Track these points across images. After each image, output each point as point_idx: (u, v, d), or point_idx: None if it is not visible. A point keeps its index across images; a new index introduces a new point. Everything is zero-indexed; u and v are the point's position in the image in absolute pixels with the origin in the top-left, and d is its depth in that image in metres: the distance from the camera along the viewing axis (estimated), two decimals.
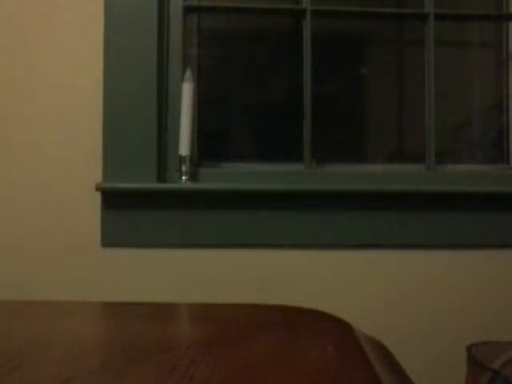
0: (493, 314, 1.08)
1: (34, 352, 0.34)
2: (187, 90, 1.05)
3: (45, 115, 1.06)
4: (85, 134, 1.06)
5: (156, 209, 1.05)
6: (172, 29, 1.12)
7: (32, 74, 1.06)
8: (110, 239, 1.05)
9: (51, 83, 1.06)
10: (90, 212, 1.05)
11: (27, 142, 1.05)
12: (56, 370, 0.30)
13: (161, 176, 1.08)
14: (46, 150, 1.05)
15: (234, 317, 0.47)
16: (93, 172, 1.05)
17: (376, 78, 1.23)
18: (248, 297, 1.06)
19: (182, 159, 1.05)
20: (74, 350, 0.35)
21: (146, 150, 1.05)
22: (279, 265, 1.07)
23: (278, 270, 1.07)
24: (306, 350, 0.35)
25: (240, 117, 1.20)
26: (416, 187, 1.06)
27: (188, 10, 1.16)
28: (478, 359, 0.82)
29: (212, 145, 1.17)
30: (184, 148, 1.04)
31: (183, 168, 1.05)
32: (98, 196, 1.05)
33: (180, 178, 1.05)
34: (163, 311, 0.51)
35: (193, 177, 1.09)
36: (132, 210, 1.05)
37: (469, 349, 0.86)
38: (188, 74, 1.05)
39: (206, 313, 0.49)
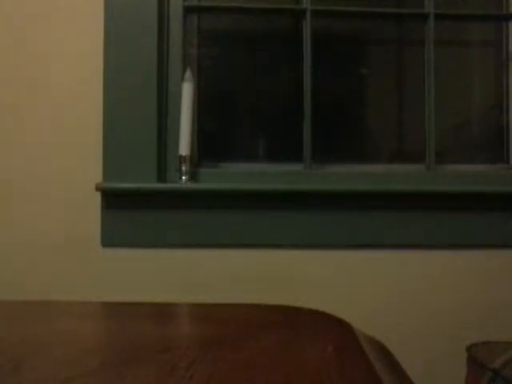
0: (493, 314, 1.08)
1: (34, 352, 0.34)
2: (187, 90, 1.05)
3: (45, 115, 1.06)
4: (85, 134, 1.06)
5: (156, 209, 1.05)
6: (172, 29, 1.12)
7: (32, 74, 1.06)
8: (110, 239, 1.05)
9: (51, 83, 1.06)
10: (90, 212, 1.05)
11: (27, 142, 1.05)
12: (56, 369, 0.30)
13: (161, 176, 1.08)
14: (46, 150, 1.05)
15: (234, 317, 0.47)
16: (93, 172, 1.05)
17: (376, 78, 1.23)
18: (248, 297, 1.06)
19: (182, 159, 1.05)
20: (74, 349, 0.35)
21: (146, 150, 1.05)
22: (279, 265, 1.07)
23: (278, 269, 1.07)
24: (305, 350, 0.35)
25: (240, 117, 1.20)
26: (416, 187, 1.06)
27: (188, 10, 1.16)
28: (477, 359, 0.82)
29: (212, 145, 1.17)
30: (184, 148, 1.04)
31: (183, 168, 1.05)
32: (98, 196, 1.05)
33: (180, 177, 1.05)
34: (163, 311, 0.51)
35: (193, 177, 1.09)
36: (132, 210, 1.05)
37: (469, 349, 0.86)
38: (188, 74, 1.05)
39: (206, 313, 0.49)
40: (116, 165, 1.04)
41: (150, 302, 0.54)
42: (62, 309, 0.51)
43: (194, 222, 1.05)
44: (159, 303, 0.54)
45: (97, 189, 1.01)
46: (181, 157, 1.04)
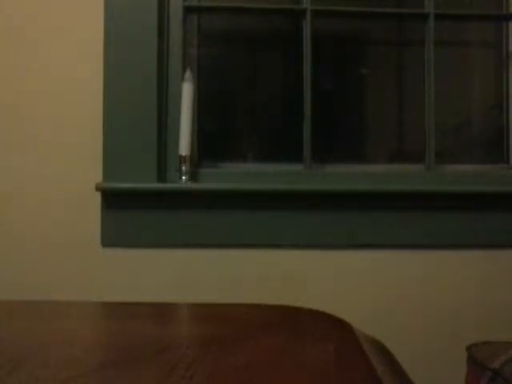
0: (493, 313, 1.08)
1: (34, 352, 0.34)
2: (187, 90, 1.05)
3: (45, 115, 1.06)
4: (85, 133, 1.06)
5: (156, 209, 1.05)
6: (172, 29, 1.12)
7: (32, 74, 1.06)
8: (110, 239, 1.05)
9: (51, 83, 1.06)
10: (90, 212, 1.05)
11: (27, 142, 1.05)
12: (56, 370, 0.30)
13: (161, 176, 1.08)
14: (46, 150, 1.05)
15: (233, 317, 0.47)
16: (93, 172, 1.05)
17: (376, 78, 1.23)
18: (248, 297, 1.06)
19: (182, 159, 1.05)
20: (74, 350, 0.35)
21: (146, 150, 1.05)
22: (279, 265, 1.07)
23: (278, 269, 1.06)
24: (305, 350, 0.35)
25: (240, 117, 1.20)
26: (416, 187, 1.06)
27: (188, 10, 1.16)
28: (478, 359, 0.82)
29: (212, 145, 1.17)
30: (184, 148, 1.04)
31: (183, 168, 1.05)
32: (98, 196, 1.05)
33: (180, 177, 1.05)
34: (163, 311, 0.51)
35: (193, 177, 1.09)
36: (132, 210, 1.05)
37: (469, 349, 0.86)
38: (188, 74, 1.05)
39: (205, 313, 0.49)
40: (116, 165, 1.04)
41: (149, 302, 0.54)
42: (61, 309, 0.51)
43: (194, 222, 1.05)
44: (159, 303, 0.54)
45: (97, 189, 1.01)
46: (181, 157, 1.04)
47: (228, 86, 1.20)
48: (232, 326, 0.43)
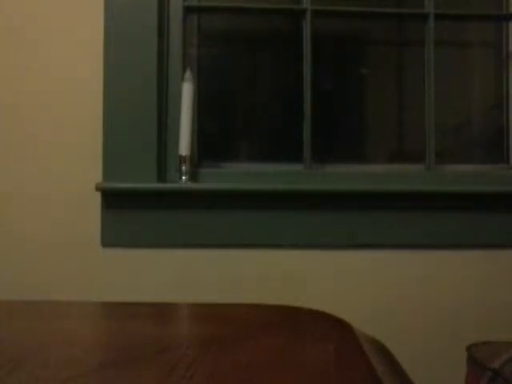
0: (493, 313, 1.08)
1: (34, 352, 0.34)
2: (187, 90, 1.05)
3: (45, 115, 1.06)
4: (85, 133, 1.06)
5: (156, 209, 1.05)
6: (172, 29, 1.12)
7: (32, 74, 1.06)
8: (110, 239, 1.05)
9: (51, 83, 1.06)
10: (90, 212, 1.05)
11: (27, 142, 1.05)
12: (56, 370, 0.30)
13: (161, 176, 1.08)
14: (46, 150, 1.05)
15: (233, 317, 0.47)
16: (93, 172, 1.05)
17: (376, 77, 1.23)
18: (248, 297, 1.06)
19: (182, 159, 1.05)
20: (74, 350, 0.35)
21: (146, 150, 1.05)
22: (279, 265, 1.07)
23: (278, 269, 1.06)
24: (305, 350, 0.35)
25: (240, 117, 1.20)
26: (416, 187, 1.06)
27: (188, 10, 1.16)
28: (478, 359, 0.82)
29: (212, 145, 1.18)
30: (184, 148, 1.04)
31: (183, 168, 1.05)
32: (98, 196, 1.05)
33: (180, 177, 1.05)
34: (163, 311, 0.51)
35: (193, 177, 1.09)
36: (132, 210, 1.05)
37: (469, 349, 0.86)
38: (188, 74, 1.05)
39: (205, 313, 0.49)
40: (116, 165, 1.04)
41: (149, 302, 0.54)
42: (61, 309, 0.51)
43: (194, 222, 1.05)
44: (159, 303, 0.54)
45: (97, 189, 1.01)
46: (181, 157, 1.04)
47: (228, 85, 1.20)
48: (232, 325, 0.43)
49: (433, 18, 1.16)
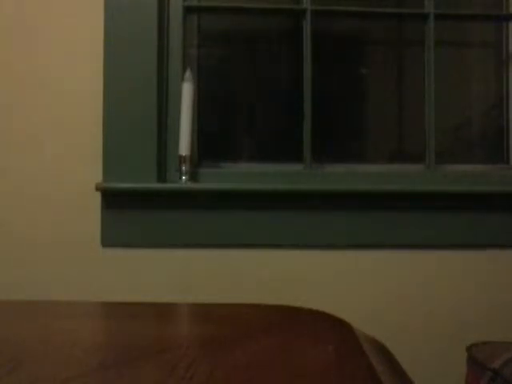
0: (493, 313, 1.08)
1: (34, 352, 0.34)
2: (187, 90, 1.05)
3: (45, 115, 1.06)
4: (85, 133, 1.06)
5: (156, 209, 1.05)
6: (172, 29, 1.12)
7: (32, 74, 1.06)
8: (110, 239, 1.05)
9: (51, 83, 1.06)
10: (90, 212, 1.05)
11: (27, 142, 1.05)
12: (56, 369, 0.30)
13: (161, 176, 1.08)
14: (46, 150, 1.05)
15: (233, 317, 0.47)
16: (93, 172, 1.05)
17: (376, 77, 1.23)
18: (248, 297, 1.06)
19: (182, 159, 1.04)
20: (74, 349, 0.35)
21: (146, 150, 1.05)
22: (279, 265, 1.07)
23: (278, 269, 1.06)
24: (305, 350, 0.35)
25: (240, 117, 1.20)
26: (416, 187, 1.06)
27: (188, 10, 1.16)
28: (478, 359, 0.82)
29: (212, 145, 1.17)
30: (184, 148, 1.04)
31: (183, 168, 1.05)
32: (98, 196, 1.05)
33: (180, 177, 1.05)
34: (163, 311, 0.51)
35: (193, 177, 1.09)
36: (132, 210, 1.05)
37: (469, 349, 0.86)
38: (188, 74, 1.05)
39: (205, 313, 0.49)
40: (116, 165, 1.04)
41: (149, 302, 0.54)
42: (61, 309, 0.51)
43: (194, 222, 1.05)
44: (159, 303, 0.54)
45: (97, 189, 1.01)
46: (181, 157, 1.04)
47: (228, 86, 1.20)
48: (232, 325, 0.43)
49: (433, 17, 1.16)
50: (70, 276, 1.05)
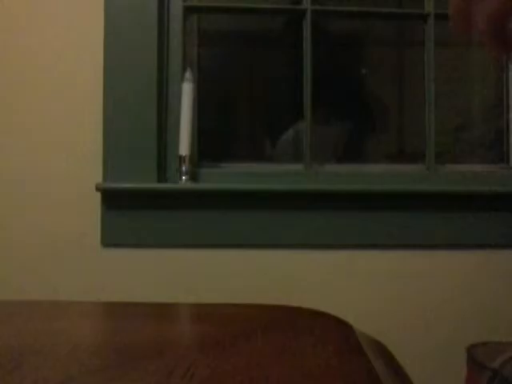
0: (493, 314, 1.07)
1: (34, 352, 0.34)
2: (187, 90, 1.05)
3: (45, 115, 1.06)
4: (85, 133, 1.06)
5: (156, 209, 1.05)
6: (172, 29, 1.11)
7: (32, 75, 1.06)
8: (110, 239, 1.05)
9: (51, 83, 1.06)
10: (90, 212, 1.05)
11: (27, 142, 1.05)
12: (56, 370, 0.30)
13: (161, 176, 1.08)
14: (46, 150, 1.05)
15: (234, 317, 0.47)
16: (93, 172, 1.05)
17: (376, 77, 1.23)
18: (248, 297, 1.06)
19: (181, 159, 1.04)
20: (74, 349, 0.35)
21: (146, 150, 1.05)
22: (279, 265, 1.07)
23: (278, 269, 1.06)
24: (306, 350, 0.35)
25: (240, 116, 1.20)
26: (416, 187, 1.06)
27: (188, 10, 1.16)
28: (478, 359, 0.82)
29: (212, 145, 1.17)
30: (184, 148, 1.04)
31: (183, 168, 1.05)
32: (97, 196, 1.05)
33: (180, 178, 1.05)
34: (163, 311, 0.51)
35: (193, 177, 1.09)
36: (132, 210, 1.05)
37: (469, 349, 0.87)
38: (188, 73, 1.05)
39: (205, 313, 0.49)
40: (116, 165, 1.04)
41: (149, 302, 0.54)
42: (62, 309, 0.51)
43: (194, 222, 1.05)
44: (159, 303, 0.54)
45: (97, 189, 1.01)
46: (181, 157, 1.04)
47: (228, 86, 1.20)
48: (232, 326, 0.43)
49: (433, 18, 1.16)
50: (70, 276, 1.05)
